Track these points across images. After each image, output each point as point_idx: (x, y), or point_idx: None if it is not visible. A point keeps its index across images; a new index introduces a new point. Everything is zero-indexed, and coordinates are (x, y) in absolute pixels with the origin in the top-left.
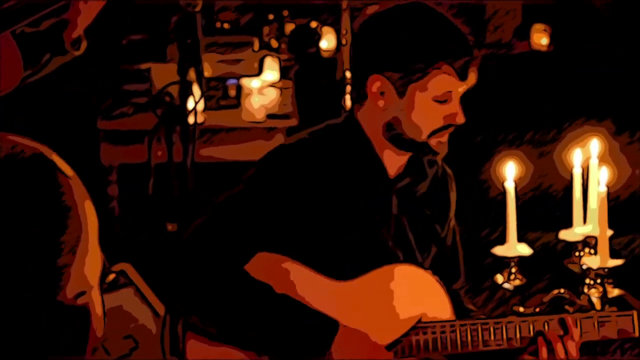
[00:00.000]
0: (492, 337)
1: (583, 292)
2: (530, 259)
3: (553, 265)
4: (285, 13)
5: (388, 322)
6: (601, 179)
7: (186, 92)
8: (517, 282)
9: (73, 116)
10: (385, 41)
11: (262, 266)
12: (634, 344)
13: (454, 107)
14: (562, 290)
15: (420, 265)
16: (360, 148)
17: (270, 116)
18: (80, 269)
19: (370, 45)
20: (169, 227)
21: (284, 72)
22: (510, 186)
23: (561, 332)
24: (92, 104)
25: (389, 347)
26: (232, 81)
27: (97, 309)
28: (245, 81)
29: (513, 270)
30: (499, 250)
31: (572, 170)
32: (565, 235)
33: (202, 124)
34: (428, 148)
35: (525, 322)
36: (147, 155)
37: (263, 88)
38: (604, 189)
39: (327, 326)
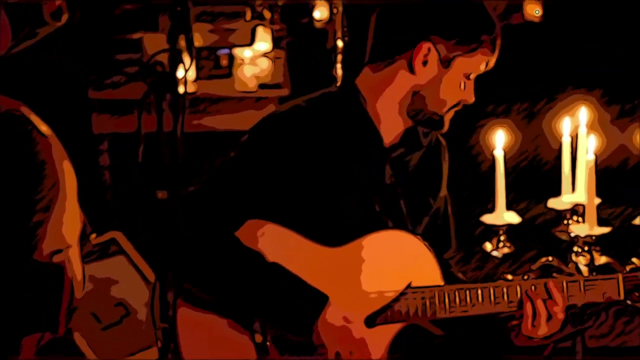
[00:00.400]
0: (480, 302)
1: (571, 260)
2: (520, 227)
3: (543, 233)
4: None
5: (377, 288)
6: (589, 147)
7: (176, 61)
8: (506, 250)
9: (65, 86)
10: (447, 9)
11: (253, 233)
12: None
13: (470, 87)
14: (550, 258)
15: (411, 231)
16: (357, 117)
17: (262, 86)
18: (58, 227)
19: (423, 9)
20: (159, 194)
21: (276, 42)
22: (499, 154)
23: (546, 297)
24: (83, 73)
25: (375, 314)
26: (224, 51)
27: (76, 268)
28: (237, 51)
29: (502, 238)
30: (487, 219)
31: (561, 139)
32: (553, 203)
33: (194, 93)
34: (440, 124)
35: (511, 286)
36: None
37: (255, 58)
38: (592, 157)
39: (316, 301)
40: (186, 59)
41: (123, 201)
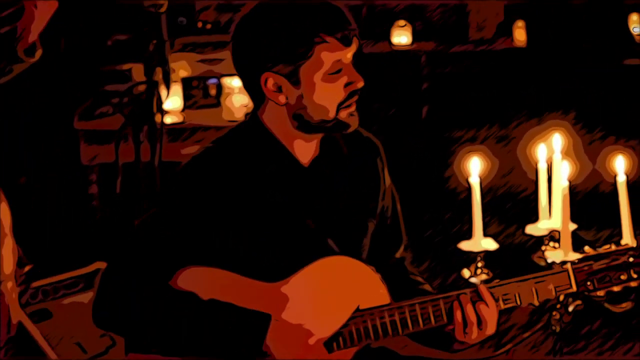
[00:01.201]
0: (432, 316)
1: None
2: (498, 254)
3: (522, 260)
4: None
5: (324, 316)
6: (562, 173)
7: (152, 93)
8: (484, 277)
9: (54, 117)
10: (261, 38)
11: (187, 279)
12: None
13: (350, 73)
14: None
15: (355, 245)
16: (270, 146)
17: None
18: None
19: (250, 47)
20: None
21: None
22: (474, 182)
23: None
24: (72, 104)
25: (329, 340)
26: (212, 80)
27: (11, 298)
28: (226, 80)
29: (479, 264)
30: (465, 246)
31: (536, 165)
32: (531, 230)
33: (182, 123)
34: (340, 123)
35: (450, 297)
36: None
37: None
38: (565, 184)
39: (259, 320)
40: (163, 90)
41: (108, 231)
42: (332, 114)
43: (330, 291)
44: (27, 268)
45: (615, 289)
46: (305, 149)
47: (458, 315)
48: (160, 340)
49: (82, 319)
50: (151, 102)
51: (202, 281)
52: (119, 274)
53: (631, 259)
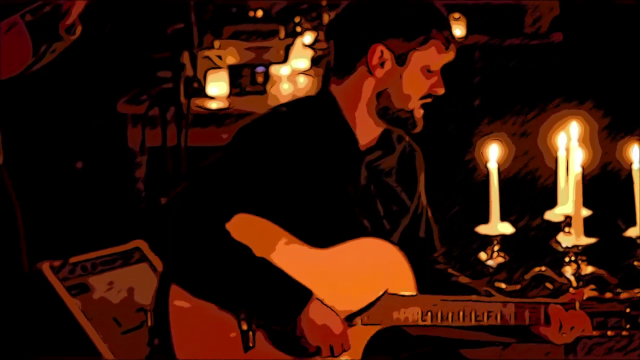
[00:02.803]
0: (452, 312)
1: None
2: (517, 237)
3: (543, 244)
4: (324, 2)
5: (355, 292)
6: (576, 160)
7: (179, 76)
8: (500, 260)
9: (103, 101)
10: (393, 9)
11: (242, 227)
12: None
13: (438, 79)
14: (542, 268)
15: (387, 233)
16: (335, 121)
17: None
18: None
19: (375, 13)
20: (163, 201)
21: (317, 61)
22: (493, 167)
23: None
24: (120, 89)
25: (354, 314)
26: (260, 68)
27: None
28: (274, 68)
29: (496, 248)
30: (482, 229)
31: (555, 153)
32: (549, 215)
33: (227, 108)
34: (411, 121)
35: (485, 302)
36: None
37: (293, 76)
38: (579, 170)
39: (300, 295)
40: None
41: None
42: (412, 106)
43: (366, 268)
44: None
45: (610, 333)
46: (366, 133)
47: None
48: (206, 282)
49: (118, 294)
50: (178, 85)
51: (256, 235)
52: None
53: (628, 310)
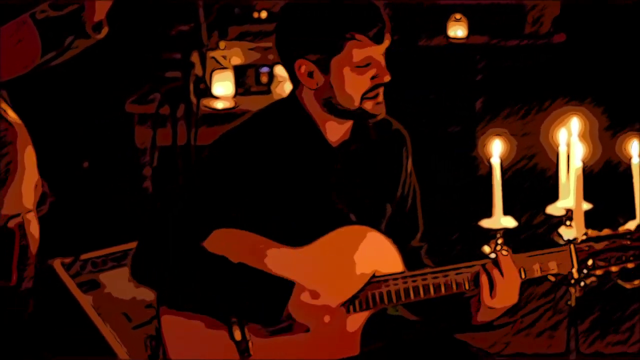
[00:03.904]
0: (442, 283)
1: None
2: (520, 231)
3: (545, 238)
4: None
5: (343, 281)
6: (576, 155)
7: (188, 74)
8: (504, 253)
9: (113, 100)
10: (298, 28)
11: (219, 241)
12: None
13: (378, 67)
14: None
15: (373, 224)
16: (303, 123)
17: None
18: (16, 197)
19: (288, 35)
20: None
21: None
22: (496, 162)
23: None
24: (128, 89)
25: (345, 304)
26: (264, 69)
27: (33, 227)
28: (278, 69)
29: (499, 241)
30: (485, 223)
31: (557, 148)
32: (551, 209)
33: (233, 108)
34: (364, 112)
35: (470, 266)
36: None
37: None
38: (579, 165)
39: (283, 288)
40: (198, 71)
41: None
42: (356, 103)
43: (349, 257)
44: (49, 200)
45: (613, 269)
46: (335, 131)
47: (484, 279)
48: (191, 298)
49: (128, 290)
50: (187, 84)
51: (232, 245)
52: (157, 234)
53: (628, 242)
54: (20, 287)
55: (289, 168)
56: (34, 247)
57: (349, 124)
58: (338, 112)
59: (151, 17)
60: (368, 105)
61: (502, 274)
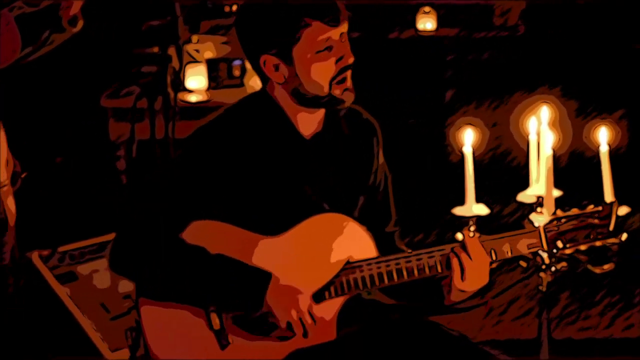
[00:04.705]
0: (415, 267)
1: None
2: (492, 218)
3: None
4: None
5: (318, 268)
6: (547, 143)
7: (165, 68)
8: (470, 235)
9: (86, 95)
10: (256, 25)
11: (196, 232)
12: None
13: (341, 50)
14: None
15: (346, 213)
16: (275, 117)
17: None
18: None
19: (248, 33)
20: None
21: None
22: (468, 151)
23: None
24: (101, 84)
25: (321, 290)
26: (237, 62)
27: (9, 203)
28: None
29: (472, 228)
30: (458, 211)
31: (527, 137)
32: (522, 197)
33: (207, 101)
34: (334, 99)
35: (442, 250)
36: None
37: None
38: (549, 152)
39: (260, 278)
40: (175, 64)
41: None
42: (325, 90)
43: (323, 244)
44: (22, 175)
45: (582, 247)
46: (307, 123)
47: (455, 262)
48: (170, 289)
49: (105, 282)
50: (164, 77)
51: (210, 236)
52: (135, 225)
53: (596, 221)
54: (3, 261)
55: (263, 161)
56: (11, 220)
57: (320, 115)
58: (308, 101)
59: (124, 12)
60: (337, 91)
61: (470, 257)
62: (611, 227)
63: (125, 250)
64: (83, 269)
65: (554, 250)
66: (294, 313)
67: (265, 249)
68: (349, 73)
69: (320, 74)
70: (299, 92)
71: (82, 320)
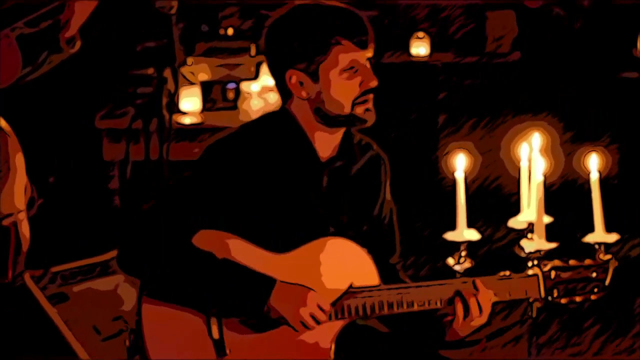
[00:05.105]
0: (415, 300)
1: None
2: (483, 244)
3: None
4: None
5: (320, 289)
6: (538, 169)
7: (161, 90)
8: (467, 265)
9: (80, 115)
10: (286, 39)
11: (205, 240)
12: None
13: (364, 73)
14: (507, 273)
15: (350, 237)
16: (295, 135)
17: None
18: (9, 197)
19: (277, 47)
20: (145, 207)
21: None
22: (460, 176)
23: (475, 292)
24: (96, 105)
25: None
26: (231, 85)
27: (24, 227)
28: (244, 85)
29: (463, 253)
30: (449, 236)
31: (519, 163)
32: (513, 223)
33: (200, 124)
34: (356, 119)
35: (443, 284)
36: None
37: (263, 92)
38: (540, 179)
39: (265, 282)
40: (171, 86)
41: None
42: (347, 109)
43: (328, 267)
44: (38, 202)
45: (578, 299)
46: (326, 144)
47: (459, 306)
48: (174, 288)
49: (97, 303)
50: (160, 99)
51: (219, 243)
52: (146, 226)
53: (593, 274)
54: (15, 284)
55: (279, 178)
56: (25, 246)
57: (338, 138)
58: (329, 119)
59: (120, 32)
60: (359, 110)
61: (480, 310)
62: (607, 282)
63: (133, 249)
64: (75, 290)
65: (549, 298)
66: (303, 311)
67: (271, 264)
68: (371, 96)
69: (344, 93)
70: (321, 110)
71: (73, 341)
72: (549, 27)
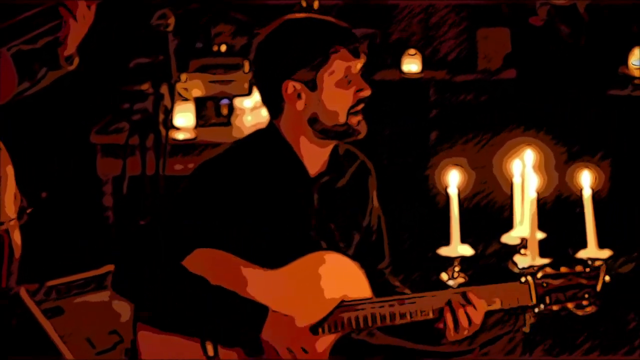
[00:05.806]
0: (408, 311)
1: None
2: (476, 259)
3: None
4: None
5: (313, 304)
6: (531, 186)
7: (158, 106)
8: (461, 280)
9: (74, 131)
10: (285, 49)
11: (198, 260)
12: None
13: (358, 82)
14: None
15: (342, 251)
16: (283, 152)
17: None
18: (1, 204)
19: (273, 58)
20: (142, 222)
21: None
22: (453, 192)
23: (465, 303)
24: (90, 120)
25: (315, 326)
26: (225, 101)
27: (16, 235)
28: (238, 101)
29: (456, 269)
30: (443, 251)
31: (511, 179)
32: (506, 238)
33: (194, 139)
34: (351, 129)
35: (435, 297)
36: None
37: (256, 108)
38: (534, 195)
39: (258, 311)
40: (167, 102)
41: (118, 236)
42: (342, 119)
43: (320, 281)
44: (29, 211)
45: (569, 305)
46: (315, 160)
47: (449, 318)
48: (167, 317)
49: (92, 317)
50: (157, 114)
51: (211, 265)
52: (139, 248)
53: (584, 281)
54: (10, 291)
55: (269, 196)
56: (17, 253)
57: (328, 151)
58: (324, 131)
59: (114, 48)
60: (354, 120)
61: (469, 320)
62: (598, 288)
63: (127, 272)
64: (70, 303)
65: (542, 306)
66: (293, 344)
67: (264, 281)
68: (362, 106)
69: (340, 103)
70: (316, 120)
71: (68, 355)
72: (551, 44)
